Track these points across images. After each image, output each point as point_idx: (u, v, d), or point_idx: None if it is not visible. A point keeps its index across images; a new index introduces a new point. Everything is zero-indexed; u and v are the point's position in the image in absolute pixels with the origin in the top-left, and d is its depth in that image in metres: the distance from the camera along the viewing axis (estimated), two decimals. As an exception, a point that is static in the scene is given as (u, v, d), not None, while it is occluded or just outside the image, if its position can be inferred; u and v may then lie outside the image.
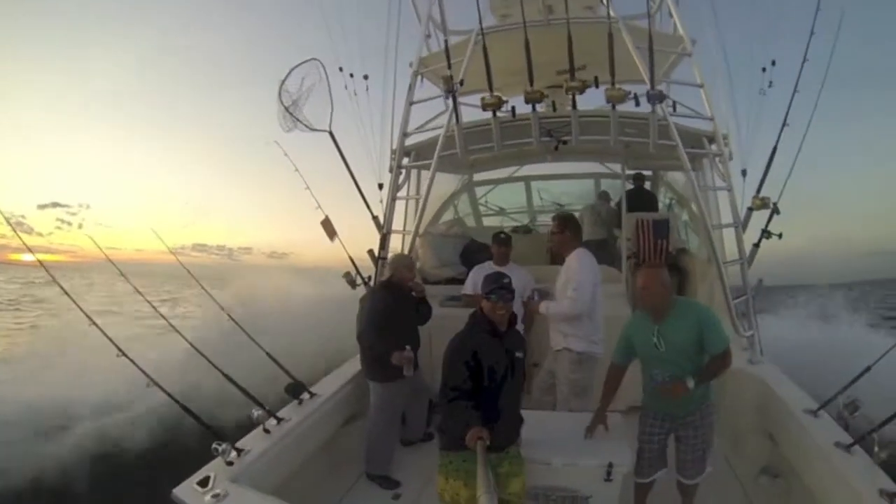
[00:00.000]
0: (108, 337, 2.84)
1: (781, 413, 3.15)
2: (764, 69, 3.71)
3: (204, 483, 2.45)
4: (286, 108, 3.89)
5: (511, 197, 6.86)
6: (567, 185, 6.79)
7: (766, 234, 3.67)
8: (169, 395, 2.72)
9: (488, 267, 4.01)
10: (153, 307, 3.60)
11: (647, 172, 5.89)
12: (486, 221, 7.01)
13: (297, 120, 3.91)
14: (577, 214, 6.10)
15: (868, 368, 2.88)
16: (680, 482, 2.78)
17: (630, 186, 5.44)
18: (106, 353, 2.81)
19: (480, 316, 2.60)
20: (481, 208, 6.71)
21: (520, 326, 2.95)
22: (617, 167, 5.97)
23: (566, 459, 2.68)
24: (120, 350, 2.73)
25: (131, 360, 2.74)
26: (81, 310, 2.95)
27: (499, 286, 2.53)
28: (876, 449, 2.42)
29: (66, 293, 2.99)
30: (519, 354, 2.58)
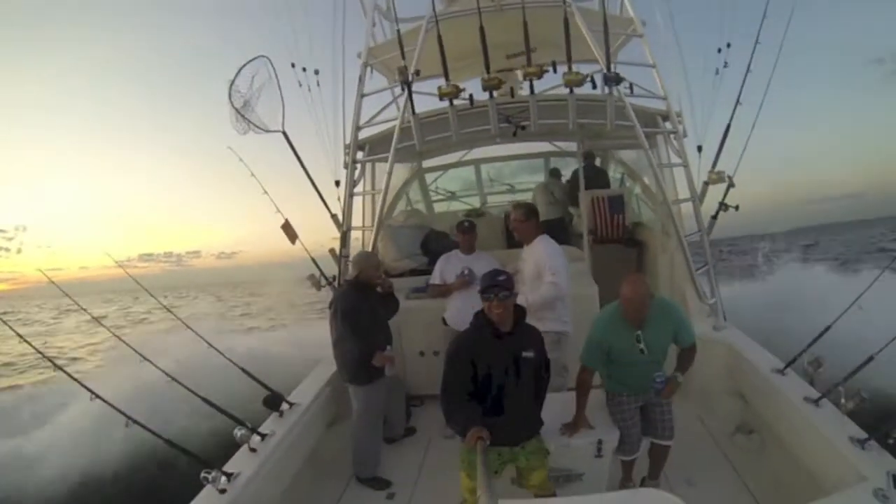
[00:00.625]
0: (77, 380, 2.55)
1: (750, 374, 3.34)
2: (720, 50, 3.83)
3: None
4: (237, 111, 3.61)
5: (461, 180, 6.80)
6: (517, 164, 6.82)
7: (723, 206, 3.83)
8: (151, 431, 2.49)
9: (455, 256, 3.97)
10: (117, 337, 3.56)
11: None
12: (438, 207, 6.95)
13: (250, 122, 3.63)
14: (530, 195, 6.21)
15: (828, 328, 3.09)
16: (655, 445, 2.88)
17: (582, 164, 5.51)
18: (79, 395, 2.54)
19: (483, 315, 2.52)
20: (432, 194, 6.61)
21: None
22: (566, 145, 6.08)
23: (558, 440, 2.73)
24: (93, 393, 2.44)
25: (106, 402, 2.46)
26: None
27: (493, 284, 2.43)
28: (843, 400, 2.60)
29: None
30: (527, 354, 2.48)
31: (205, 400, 2.92)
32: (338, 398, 3.72)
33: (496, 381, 2.47)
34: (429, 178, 6.69)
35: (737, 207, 3.80)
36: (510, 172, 6.79)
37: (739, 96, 3.71)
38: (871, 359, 2.67)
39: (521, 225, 3.43)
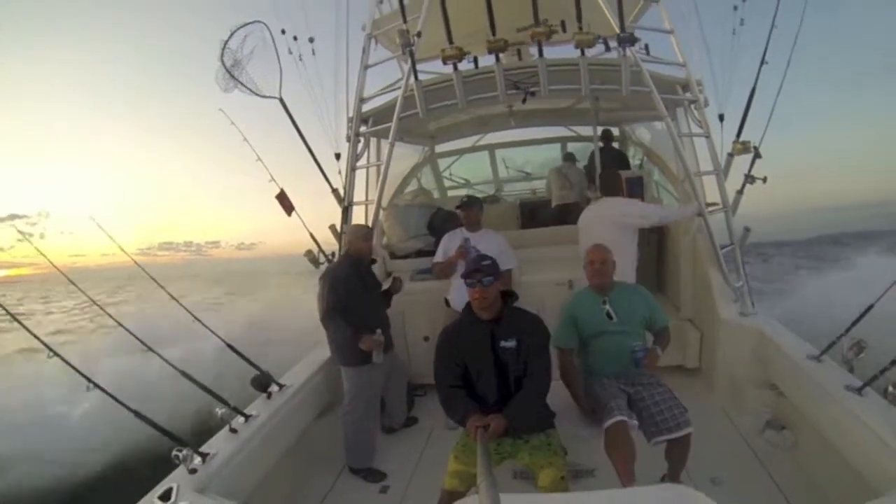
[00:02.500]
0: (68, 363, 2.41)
1: (782, 362, 3.00)
2: (735, 7, 3.52)
3: (166, 497, 2.09)
4: (227, 69, 3.50)
5: (475, 167, 6.59)
6: (532, 151, 6.58)
7: (749, 178, 3.50)
8: (113, 397, 2.31)
9: (460, 233, 3.78)
10: (104, 310, 3.45)
11: (614, 131, 5.73)
12: (451, 194, 6.72)
13: (239, 81, 3.52)
14: (544, 179, 5.98)
15: (870, 307, 2.73)
16: (670, 443, 2.44)
17: (599, 145, 5.23)
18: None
19: (469, 304, 2.45)
20: (445, 181, 6.41)
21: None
22: (583, 129, 5.82)
23: (565, 433, 2.54)
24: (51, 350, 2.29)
25: (66, 361, 2.30)
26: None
27: (475, 269, 2.35)
28: (890, 388, 2.25)
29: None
30: (507, 343, 2.35)
31: (183, 373, 2.74)
32: (332, 384, 3.51)
33: (477, 371, 2.39)
34: (442, 164, 6.49)
35: (764, 179, 3.47)
36: (525, 162, 6.54)
37: (765, 55, 3.37)
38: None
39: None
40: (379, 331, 3.22)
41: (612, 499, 1.94)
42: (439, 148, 6.33)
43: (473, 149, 6.42)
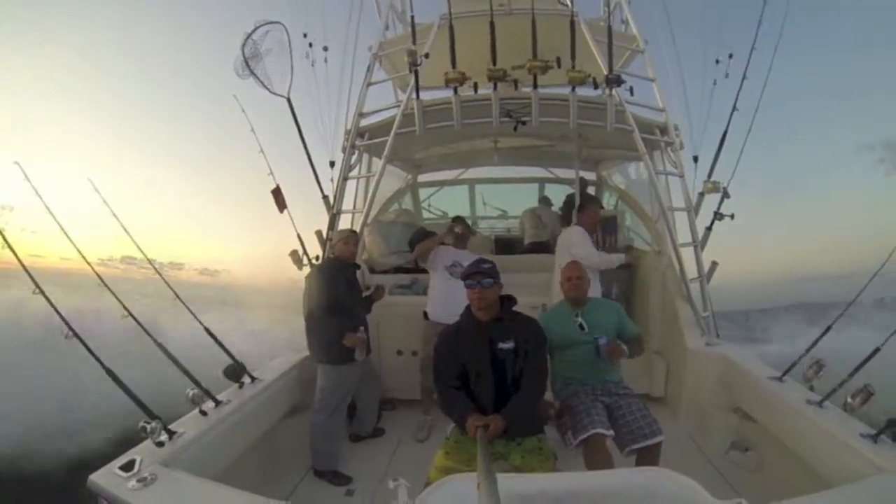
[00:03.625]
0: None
1: (747, 384, 3.15)
2: (718, 61, 3.98)
3: (128, 467, 2.01)
4: (246, 58, 3.62)
5: (454, 201, 6.81)
6: (509, 192, 6.86)
7: (718, 216, 3.81)
8: (90, 350, 2.18)
9: (444, 248, 3.85)
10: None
11: (589, 177, 6.09)
12: (429, 225, 6.82)
13: (253, 73, 3.63)
14: (518, 219, 6.24)
15: (828, 328, 2.95)
16: (642, 451, 2.48)
17: (571, 191, 5.52)
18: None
19: (468, 307, 2.52)
20: (424, 212, 6.57)
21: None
22: (561, 172, 6.17)
23: (551, 439, 2.58)
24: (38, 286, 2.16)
25: (49, 300, 2.17)
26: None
27: (476, 270, 2.45)
28: (848, 399, 2.43)
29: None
30: (504, 345, 2.41)
31: (159, 345, 2.63)
32: (304, 383, 3.43)
33: (475, 371, 2.42)
34: (423, 194, 6.67)
35: (732, 216, 3.78)
36: (502, 199, 6.80)
37: (736, 102, 3.81)
38: (877, 351, 2.51)
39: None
40: (362, 328, 3.26)
41: (602, 478, 1.98)
42: (422, 178, 6.54)
43: (455, 181, 6.65)
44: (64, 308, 2.18)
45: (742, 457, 3.11)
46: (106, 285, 2.54)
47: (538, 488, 1.82)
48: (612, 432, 2.50)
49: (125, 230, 2.75)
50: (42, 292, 2.09)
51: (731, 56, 3.96)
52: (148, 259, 2.91)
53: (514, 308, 2.56)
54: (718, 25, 4.03)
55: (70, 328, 2.13)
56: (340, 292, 3.22)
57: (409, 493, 1.78)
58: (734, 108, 3.84)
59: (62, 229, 2.34)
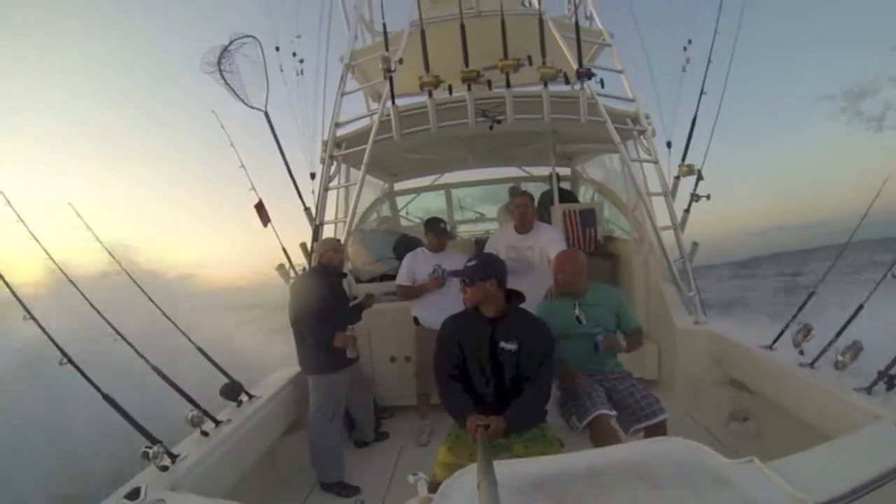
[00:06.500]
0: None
1: (739, 356, 3.24)
2: (684, 48, 4.14)
3: (134, 496, 1.93)
4: (221, 70, 3.59)
5: (431, 206, 6.83)
6: (487, 192, 6.94)
7: (694, 197, 3.94)
8: (86, 376, 2.09)
9: (421, 254, 3.87)
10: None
11: (564, 172, 6.20)
12: (410, 230, 6.83)
13: (230, 86, 3.61)
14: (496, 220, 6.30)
15: (812, 293, 3.06)
16: (649, 429, 2.54)
17: (546, 188, 5.62)
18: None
19: None
20: (402, 221, 6.57)
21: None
22: (536, 170, 6.27)
23: (556, 423, 2.60)
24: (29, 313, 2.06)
25: (42, 329, 2.07)
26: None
27: (458, 272, 2.48)
28: (839, 357, 2.53)
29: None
30: (507, 345, 2.36)
31: (154, 368, 2.54)
32: (300, 398, 3.38)
33: (475, 365, 2.40)
34: (401, 202, 6.68)
35: (708, 196, 3.91)
36: (479, 200, 6.87)
37: (703, 86, 3.96)
38: (861, 308, 2.62)
39: (529, 210, 3.69)
40: (351, 327, 3.26)
41: (617, 452, 1.99)
42: (398, 185, 6.56)
43: (431, 187, 6.69)
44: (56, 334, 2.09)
45: (742, 426, 3.19)
46: (96, 309, 2.44)
47: (555, 469, 1.81)
48: (615, 412, 2.53)
49: (112, 255, 2.67)
50: (33, 317, 2.00)
51: (689, 42, 4.13)
52: (139, 285, 2.81)
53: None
54: (682, 11, 4.19)
55: (64, 354, 2.04)
56: (325, 299, 3.18)
57: (428, 486, 1.76)
58: (702, 92, 4.00)
59: (47, 254, 2.25)
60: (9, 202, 2.16)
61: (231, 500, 2.09)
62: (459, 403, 2.35)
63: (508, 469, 1.61)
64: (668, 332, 3.91)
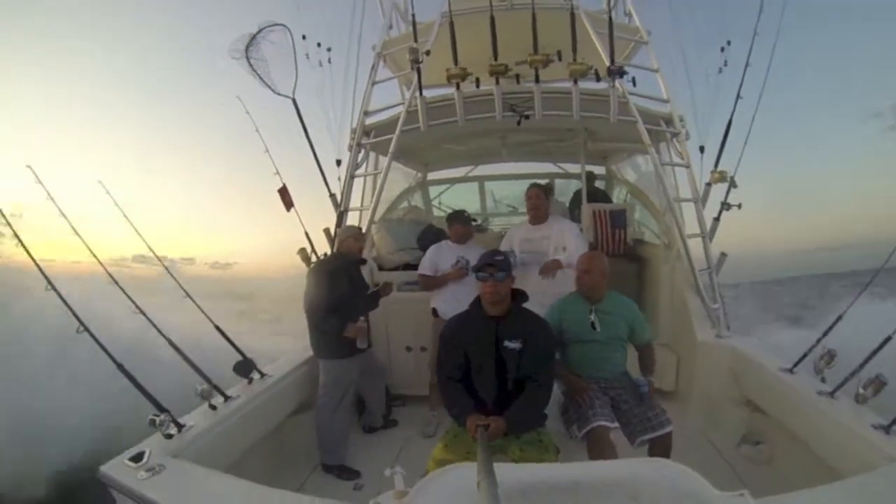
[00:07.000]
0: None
1: (758, 376, 3.10)
2: (722, 49, 3.93)
3: (137, 458, 2.08)
4: (248, 58, 3.70)
5: (464, 198, 6.79)
6: (519, 186, 6.84)
7: (725, 206, 3.76)
8: (101, 346, 2.25)
9: (445, 246, 3.89)
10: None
11: (599, 171, 6.05)
12: (439, 224, 6.87)
13: (258, 74, 3.71)
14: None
15: (839, 318, 2.89)
16: (654, 441, 2.49)
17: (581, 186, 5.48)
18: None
19: (478, 298, 2.47)
20: (435, 210, 6.59)
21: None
22: (570, 167, 6.14)
23: (556, 432, 2.59)
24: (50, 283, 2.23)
25: (61, 297, 2.24)
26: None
27: (488, 263, 2.38)
28: (860, 390, 2.39)
29: None
30: (511, 344, 2.34)
31: (169, 341, 2.69)
32: (313, 380, 3.47)
33: (478, 365, 2.40)
34: (433, 192, 6.70)
35: (739, 206, 3.73)
36: (513, 196, 6.78)
37: (740, 90, 3.75)
38: (888, 339, 2.45)
39: (540, 202, 3.68)
40: (362, 318, 3.31)
41: (605, 468, 1.97)
42: (431, 175, 6.57)
43: (464, 179, 6.66)
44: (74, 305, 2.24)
45: (753, 450, 3.07)
46: (117, 283, 2.61)
47: (540, 478, 1.81)
48: (616, 425, 2.48)
49: (137, 231, 2.84)
50: (54, 288, 2.17)
51: (728, 43, 3.90)
52: (158, 257, 2.97)
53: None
54: (722, 12, 3.97)
55: (82, 323, 2.19)
56: (340, 288, 3.25)
57: (405, 481, 1.80)
58: (738, 97, 3.79)
59: (73, 229, 2.41)
60: (39, 180, 2.32)
61: (229, 473, 2.22)
62: (459, 403, 2.37)
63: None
64: (689, 344, 3.78)
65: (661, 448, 2.49)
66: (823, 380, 2.70)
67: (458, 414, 2.36)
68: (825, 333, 2.88)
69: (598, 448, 2.38)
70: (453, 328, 2.52)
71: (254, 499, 1.96)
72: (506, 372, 2.37)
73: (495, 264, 2.36)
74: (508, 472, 1.74)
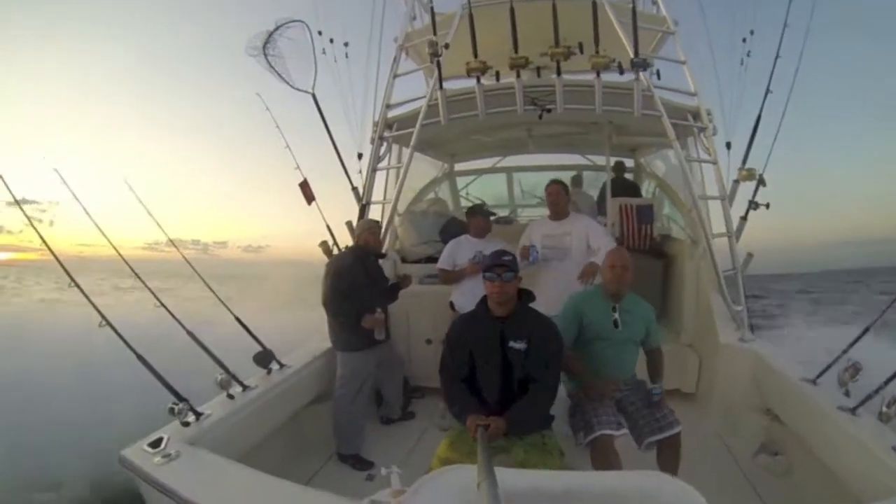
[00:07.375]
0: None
1: (779, 385, 2.99)
2: (744, 39, 3.71)
3: (156, 444, 2.19)
4: (266, 55, 3.77)
5: (492, 189, 6.75)
6: (549, 177, 6.72)
7: (753, 205, 3.59)
8: (123, 339, 2.39)
9: (465, 240, 3.88)
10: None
11: (628, 163, 5.87)
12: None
13: (276, 71, 3.77)
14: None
15: (867, 329, 2.74)
16: (663, 442, 2.45)
17: (611, 175, 5.36)
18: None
19: (485, 298, 2.47)
20: (462, 200, 6.58)
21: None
22: (597, 158, 5.97)
23: (562, 434, 2.55)
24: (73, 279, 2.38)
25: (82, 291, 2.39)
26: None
27: (497, 263, 2.35)
28: (884, 408, 2.27)
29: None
30: (516, 344, 2.32)
31: (189, 332, 2.83)
32: (331, 371, 3.56)
33: (482, 365, 2.39)
34: (461, 183, 6.68)
35: (767, 206, 3.56)
36: (541, 186, 6.69)
37: (769, 84, 3.53)
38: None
39: (560, 197, 3.66)
40: (379, 309, 3.34)
41: (600, 479, 1.95)
42: (459, 167, 6.54)
43: (491, 170, 6.60)
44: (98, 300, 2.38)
45: (771, 460, 2.97)
46: (140, 279, 2.74)
47: (533, 485, 1.82)
48: (622, 431, 2.44)
49: (159, 226, 2.95)
50: (77, 285, 2.30)
51: (752, 33, 3.66)
52: (186, 259, 3.08)
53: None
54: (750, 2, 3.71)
55: (104, 317, 2.33)
56: (357, 281, 3.31)
57: (401, 480, 1.84)
58: (768, 91, 3.56)
59: (99, 228, 2.54)
60: (64, 181, 2.45)
61: (246, 461, 2.33)
62: (462, 402, 2.38)
63: None
64: (712, 346, 3.67)
65: (669, 450, 2.45)
66: (847, 393, 2.57)
67: (458, 413, 2.36)
68: (851, 345, 2.73)
69: (602, 457, 2.36)
70: (459, 328, 2.52)
71: (261, 488, 2.05)
72: (510, 372, 2.36)
73: (503, 265, 2.34)
74: (501, 477, 1.75)
